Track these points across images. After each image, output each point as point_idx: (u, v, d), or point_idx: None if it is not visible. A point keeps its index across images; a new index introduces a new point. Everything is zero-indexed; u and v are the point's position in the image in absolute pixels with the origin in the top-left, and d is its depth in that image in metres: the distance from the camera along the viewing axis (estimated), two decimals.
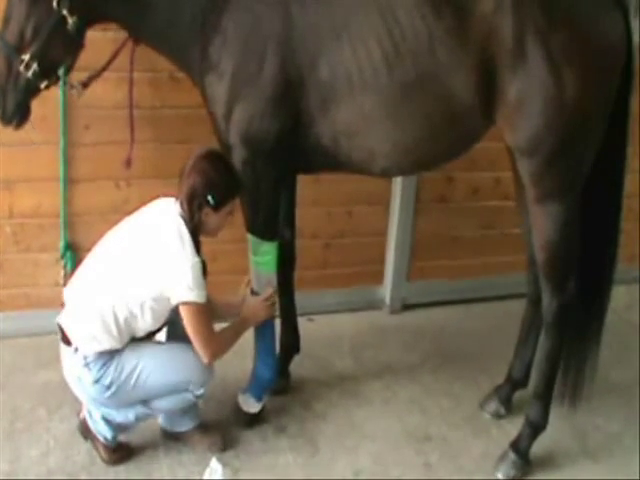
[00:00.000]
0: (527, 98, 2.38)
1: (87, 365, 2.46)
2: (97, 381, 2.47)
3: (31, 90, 2.48)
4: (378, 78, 2.42)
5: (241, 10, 2.46)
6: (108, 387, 2.47)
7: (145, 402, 2.56)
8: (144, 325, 2.49)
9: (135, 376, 2.48)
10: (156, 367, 2.50)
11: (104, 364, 2.46)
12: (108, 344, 2.45)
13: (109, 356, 2.47)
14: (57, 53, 2.48)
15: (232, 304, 2.81)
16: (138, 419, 2.60)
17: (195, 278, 2.42)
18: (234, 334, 2.66)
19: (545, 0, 2.34)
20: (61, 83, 2.93)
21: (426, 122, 2.47)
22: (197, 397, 2.58)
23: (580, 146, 2.47)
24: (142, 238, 2.49)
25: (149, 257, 2.44)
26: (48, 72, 2.48)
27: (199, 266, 2.45)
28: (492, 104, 2.44)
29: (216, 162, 2.51)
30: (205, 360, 2.53)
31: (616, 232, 2.72)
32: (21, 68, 2.42)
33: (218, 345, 2.56)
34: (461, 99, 2.42)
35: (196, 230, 2.50)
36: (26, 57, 2.41)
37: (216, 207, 2.48)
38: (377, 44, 2.40)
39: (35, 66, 2.42)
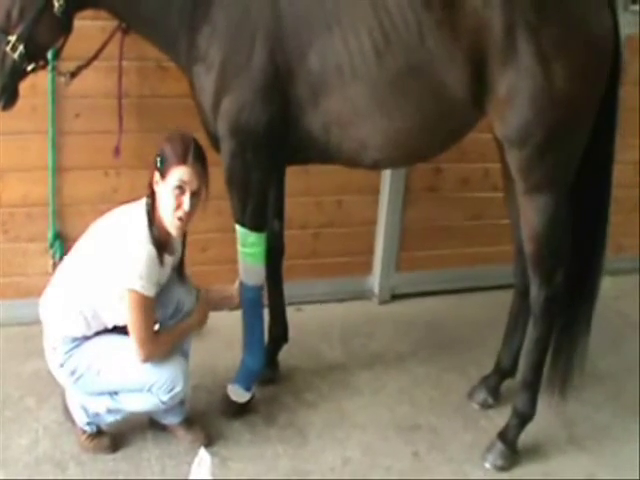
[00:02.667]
0: (517, 90, 2.38)
1: (55, 348, 2.49)
2: (62, 365, 2.49)
3: (17, 72, 2.46)
4: (368, 69, 2.41)
5: (230, 1, 2.44)
6: (72, 373, 2.49)
7: (113, 395, 2.53)
8: (112, 316, 2.47)
9: (97, 366, 2.47)
10: (119, 361, 2.47)
11: (70, 350, 2.48)
12: (76, 331, 2.47)
13: (76, 342, 2.48)
14: (44, 36, 2.46)
15: (227, 295, 2.80)
16: (110, 412, 2.57)
17: (147, 268, 2.36)
18: (177, 336, 2.56)
19: None
20: (50, 73, 2.94)
21: (417, 113, 2.47)
22: (164, 403, 2.49)
23: (569, 139, 2.48)
24: (113, 228, 2.46)
25: (114, 247, 2.41)
26: (35, 55, 2.46)
27: (153, 256, 2.38)
28: (483, 96, 2.43)
29: (183, 135, 2.46)
30: (139, 358, 2.43)
31: (605, 222, 2.73)
32: (7, 49, 2.40)
33: (155, 346, 2.45)
34: (452, 91, 2.42)
35: (153, 205, 2.42)
36: (12, 39, 2.40)
37: (162, 172, 2.39)
38: (368, 35, 2.39)
39: (21, 48, 2.40)
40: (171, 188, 2.39)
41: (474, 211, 3.95)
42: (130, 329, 2.42)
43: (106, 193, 3.23)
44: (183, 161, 2.39)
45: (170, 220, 2.42)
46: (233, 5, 2.45)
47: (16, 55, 2.41)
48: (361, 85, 2.44)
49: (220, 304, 2.81)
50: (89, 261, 2.47)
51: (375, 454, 2.79)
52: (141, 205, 2.47)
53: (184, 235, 2.60)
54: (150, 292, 2.39)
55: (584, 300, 2.79)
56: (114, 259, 2.39)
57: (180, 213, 2.40)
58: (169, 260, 2.53)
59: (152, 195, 2.45)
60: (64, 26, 2.50)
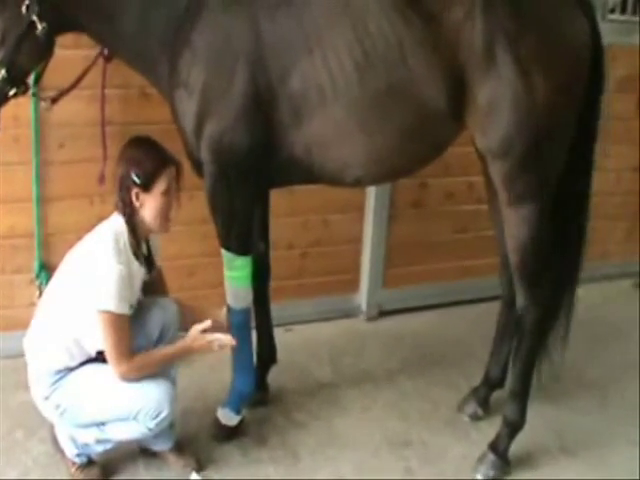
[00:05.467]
0: (497, 102, 2.41)
1: (39, 382, 2.49)
2: (47, 398, 2.48)
3: None
4: (350, 89, 2.43)
5: (211, 25, 2.47)
6: (57, 406, 2.48)
7: (100, 426, 2.52)
8: (93, 342, 2.46)
9: (81, 398, 2.46)
10: (102, 391, 2.46)
11: (54, 383, 2.47)
12: (59, 363, 2.46)
13: (60, 375, 2.47)
14: (26, 59, 2.45)
15: (213, 315, 2.76)
16: (99, 442, 2.56)
17: (117, 286, 2.34)
18: (160, 359, 2.49)
19: (514, 5, 2.38)
20: (32, 104, 2.96)
21: (398, 130, 2.49)
22: (150, 430, 2.46)
23: (550, 148, 2.51)
24: (82, 253, 2.47)
25: (84, 271, 2.41)
26: (17, 79, 2.45)
27: (123, 275, 2.36)
28: (463, 109, 2.47)
29: (136, 143, 2.48)
30: (116, 377, 2.40)
31: (583, 230, 2.76)
32: None
33: (132, 366, 2.40)
34: (433, 106, 2.44)
35: (132, 222, 2.44)
36: None
37: (145, 185, 2.41)
38: (348, 55, 2.41)
39: (3, 72, 2.39)
40: (159, 195, 2.43)
41: (459, 225, 3.98)
42: (106, 349, 2.40)
43: (92, 222, 3.17)
44: (165, 164, 2.44)
45: (160, 224, 2.47)
46: (214, 29, 2.46)
47: None
48: (342, 105, 2.45)
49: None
50: (65, 290, 2.47)
51: (367, 471, 2.79)
52: (107, 226, 2.47)
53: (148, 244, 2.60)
54: (123, 310, 2.37)
55: (564, 309, 2.82)
56: (86, 283, 2.38)
57: (172, 212, 2.47)
58: (139, 271, 2.51)
59: (130, 212, 2.44)
60: (46, 49, 2.49)
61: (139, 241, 2.50)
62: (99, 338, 2.41)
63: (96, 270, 2.37)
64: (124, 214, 2.44)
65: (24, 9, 2.36)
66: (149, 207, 2.45)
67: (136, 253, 2.48)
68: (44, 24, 2.40)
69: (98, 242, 2.43)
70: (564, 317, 2.83)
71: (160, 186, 2.44)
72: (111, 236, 2.42)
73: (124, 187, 2.42)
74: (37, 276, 3.23)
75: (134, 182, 2.41)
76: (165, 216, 2.49)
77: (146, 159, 2.43)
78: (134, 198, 2.42)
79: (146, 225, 2.48)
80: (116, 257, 2.38)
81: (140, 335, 2.51)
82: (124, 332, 2.39)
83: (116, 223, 2.47)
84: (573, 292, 2.83)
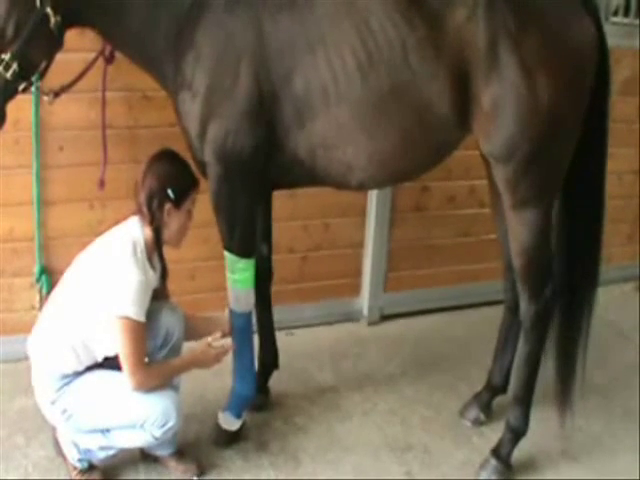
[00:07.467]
0: (501, 104, 2.40)
1: (45, 386, 2.48)
2: (53, 403, 2.47)
3: (9, 92, 2.40)
4: (353, 90, 2.43)
5: (214, 26, 2.46)
6: (63, 411, 2.47)
7: (104, 433, 2.51)
8: (102, 347, 2.45)
9: (88, 404, 2.45)
10: (110, 398, 2.45)
11: (60, 387, 2.46)
12: (67, 367, 2.45)
13: (67, 379, 2.46)
14: (38, 53, 2.41)
15: (215, 322, 2.78)
16: (102, 449, 2.55)
17: (137, 293, 2.36)
18: (172, 370, 2.54)
19: (517, 7, 2.37)
20: (33, 107, 2.95)
21: (402, 133, 2.48)
22: (156, 439, 2.46)
23: (555, 151, 2.50)
24: (98, 257, 2.47)
25: (101, 275, 2.41)
26: (27, 73, 2.41)
27: (142, 282, 2.38)
28: (467, 112, 2.46)
29: (169, 158, 2.51)
30: (130, 386, 2.40)
31: (599, 233, 2.75)
32: (0, 69, 2.33)
33: (147, 375, 2.42)
34: (436, 109, 2.43)
35: (159, 234, 2.47)
36: (6, 57, 2.33)
37: (177, 202, 2.45)
38: (351, 57, 2.41)
39: (15, 66, 2.34)
40: (185, 212, 2.49)
41: (461, 229, 3.98)
42: (122, 357, 2.40)
43: (92, 225, 3.22)
44: (197, 183, 2.52)
45: (178, 239, 2.54)
46: (217, 31, 2.46)
47: (9, 74, 2.33)
48: (346, 106, 2.45)
49: (210, 332, 2.80)
50: (77, 293, 2.46)
51: (368, 475, 2.78)
52: (124, 234, 2.47)
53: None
54: (142, 317, 2.38)
55: (581, 312, 2.79)
56: (102, 288, 2.38)
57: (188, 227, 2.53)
58: (153, 277, 2.52)
59: (159, 226, 2.46)
60: (57, 42, 2.46)
61: (159, 252, 2.52)
62: (115, 345, 2.40)
63: (116, 277, 2.37)
64: (152, 226, 2.46)
65: (38, 2, 2.33)
66: (175, 223, 2.49)
67: (151, 262, 2.49)
68: (58, 17, 2.38)
69: (117, 249, 2.43)
70: (585, 320, 2.79)
71: (189, 204, 2.50)
72: (130, 244, 2.43)
73: (157, 201, 2.44)
74: (37, 280, 3.22)
75: (169, 197, 2.44)
76: (185, 232, 2.55)
77: (181, 177, 2.49)
78: (166, 213, 2.45)
79: (166, 238, 2.52)
80: (136, 265, 2.39)
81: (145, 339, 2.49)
82: (141, 340, 2.40)
83: (133, 231, 2.47)
84: (592, 297, 2.78)
